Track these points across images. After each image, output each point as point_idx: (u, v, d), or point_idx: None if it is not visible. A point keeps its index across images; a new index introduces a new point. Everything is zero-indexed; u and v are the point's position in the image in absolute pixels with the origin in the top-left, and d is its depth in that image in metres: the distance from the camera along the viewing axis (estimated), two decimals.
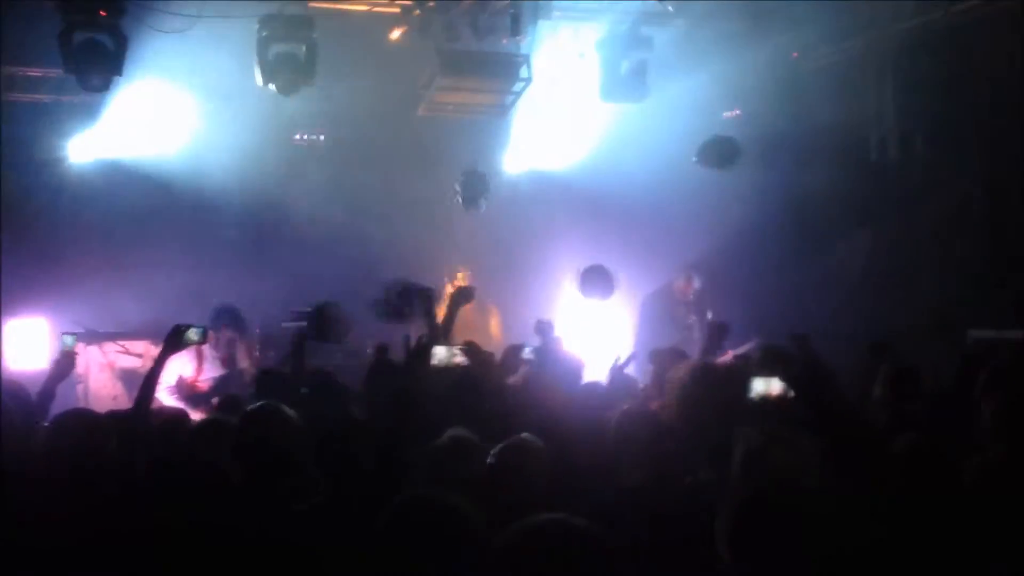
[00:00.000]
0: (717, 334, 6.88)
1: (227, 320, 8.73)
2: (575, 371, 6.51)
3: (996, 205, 9.70)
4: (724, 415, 4.46)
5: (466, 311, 9.30)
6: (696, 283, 10.58)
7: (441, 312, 7.20)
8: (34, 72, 10.77)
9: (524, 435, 4.28)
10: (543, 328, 7.20)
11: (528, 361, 6.77)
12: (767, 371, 4.97)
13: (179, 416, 5.75)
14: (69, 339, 6.19)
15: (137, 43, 9.40)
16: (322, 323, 6.86)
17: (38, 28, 9.47)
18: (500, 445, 4.23)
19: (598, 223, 12.10)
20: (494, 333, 10.38)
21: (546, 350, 6.82)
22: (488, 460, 4.18)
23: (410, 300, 6.97)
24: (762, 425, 4.27)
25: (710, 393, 4.61)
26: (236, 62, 10.17)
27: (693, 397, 4.68)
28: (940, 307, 9.52)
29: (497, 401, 5.49)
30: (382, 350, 6.61)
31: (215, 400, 8.44)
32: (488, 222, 12.13)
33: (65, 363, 5.97)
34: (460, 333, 7.33)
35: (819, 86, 11.23)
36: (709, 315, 10.17)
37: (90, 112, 11.06)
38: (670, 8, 10.43)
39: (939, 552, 3.71)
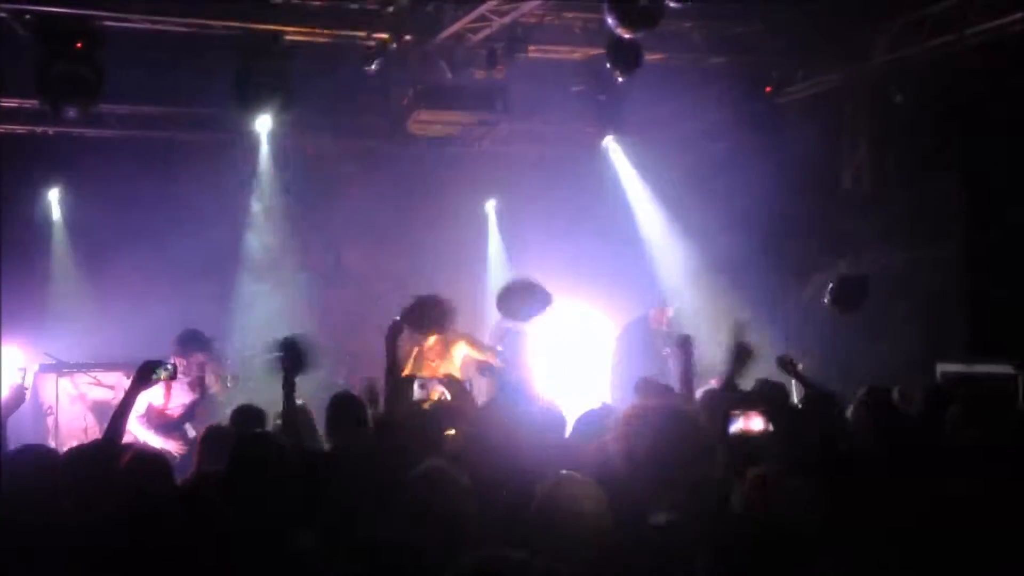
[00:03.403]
0: (683, 348, 6.80)
1: (194, 345, 8.69)
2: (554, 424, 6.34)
3: (970, 238, 9.81)
4: (684, 456, 4.43)
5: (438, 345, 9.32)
6: (670, 311, 10.61)
7: None
8: (9, 103, 10.76)
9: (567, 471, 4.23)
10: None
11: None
12: (756, 406, 4.98)
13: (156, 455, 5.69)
14: (23, 373, 6.14)
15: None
16: (292, 355, 6.79)
17: (14, 58, 9.47)
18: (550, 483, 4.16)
19: (573, 251, 12.18)
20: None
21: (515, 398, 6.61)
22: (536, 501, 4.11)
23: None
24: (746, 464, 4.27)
25: (662, 434, 4.57)
26: None
27: (646, 438, 4.66)
28: (912, 339, 9.60)
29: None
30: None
31: (188, 426, 8.45)
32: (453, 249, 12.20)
33: (14, 397, 5.91)
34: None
35: (793, 119, 11.34)
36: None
37: (67, 143, 11.11)
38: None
39: None
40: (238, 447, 4.57)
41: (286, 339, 6.08)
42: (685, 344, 6.84)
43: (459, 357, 8.92)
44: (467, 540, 3.78)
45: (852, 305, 8.42)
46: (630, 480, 4.45)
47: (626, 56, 9.53)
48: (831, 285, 8.56)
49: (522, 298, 8.23)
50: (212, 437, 6.09)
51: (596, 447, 4.82)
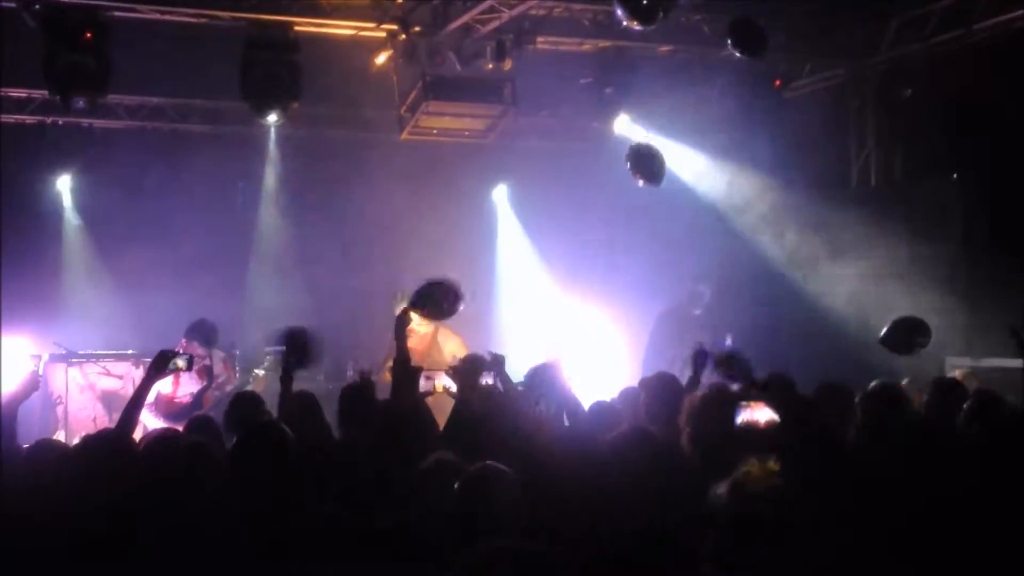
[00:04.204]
0: (698, 362, 6.88)
1: (200, 337, 8.72)
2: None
3: (975, 232, 9.81)
4: (733, 441, 4.48)
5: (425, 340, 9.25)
6: (706, 296, 10.50)
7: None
8: (18, 93, 10.79)
9: (489, 462, 4.24)
10: (496, 362, 6.75)
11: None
12: (769, 399, 4.99)
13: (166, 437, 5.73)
14: (35, 362, 6.17)
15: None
16: (293, 349, 6.70)
17: (23, 49, 9.49)
18: (465, 472, 4.18)
19: (580, 243, 12.19)
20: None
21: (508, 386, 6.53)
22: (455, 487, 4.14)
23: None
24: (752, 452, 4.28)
25: (720, 419, 4.63)
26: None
27: (704, 422, 4.71)
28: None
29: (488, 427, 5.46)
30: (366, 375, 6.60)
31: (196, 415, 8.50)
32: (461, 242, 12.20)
33: (29, 385, 5.94)
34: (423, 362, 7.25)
35: (800, 114, 11.33)
36: (728, 340, 10.03)
37: (76, 134, 11.16)
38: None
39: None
40: (243, 436, 4.58)
41: (289, 331, 6.09)
42: (697, 358, 6.90)
43: (449, 354, 8.91)
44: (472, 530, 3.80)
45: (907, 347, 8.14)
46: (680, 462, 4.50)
47: (754, 37, 9.46)
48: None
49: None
50: (196, 425, 6.14)
51: (611, 436, 4.84)
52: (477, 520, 3.82)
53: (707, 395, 5.46)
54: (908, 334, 7.76)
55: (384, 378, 8.23)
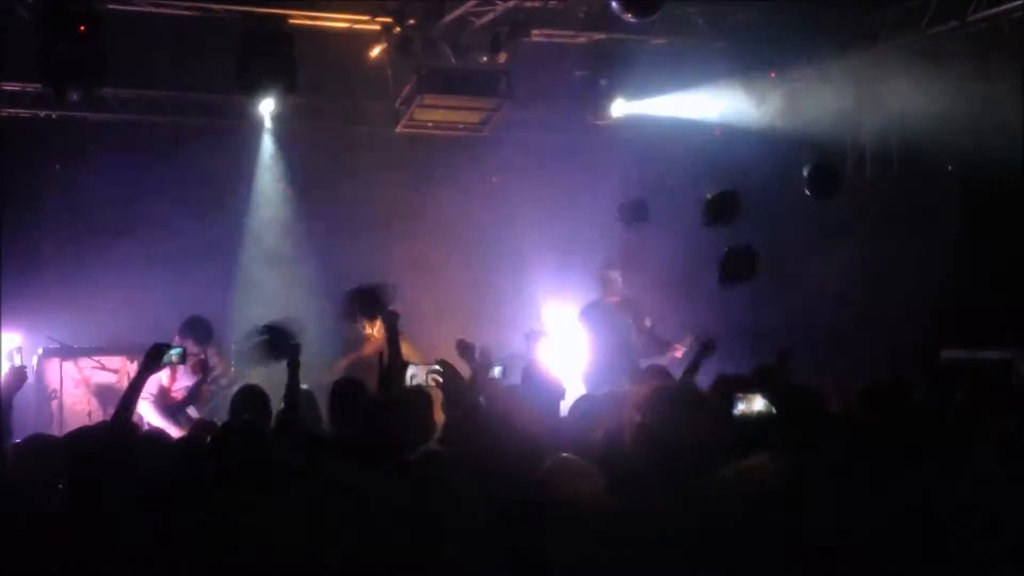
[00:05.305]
0: (702, 352, 6.90)
1: (194, 335, 8.71)
2: (556, 396, 6.34)
3: (969, 224, 9.81)
4: (695, 439, 4.45)
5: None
6: (618, 282, 10.34)
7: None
8: (12, 86, 10.77)
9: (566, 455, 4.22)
10: (532, 337, 6.84)
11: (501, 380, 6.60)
12: (754, 389, 4.98)
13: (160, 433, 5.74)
14: (18, 355, 6.14)
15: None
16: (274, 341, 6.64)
17: (18, 42, 9.48)
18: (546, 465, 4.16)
19: (574, 236, 12.19)
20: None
21: (531, 370, 6.56)
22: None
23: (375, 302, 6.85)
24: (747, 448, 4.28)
25: (679, 416, 4.59)
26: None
27: (663, 420, 4.67)
28: (913, 326, 9.61)
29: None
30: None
31: (191, 409, 8.50)
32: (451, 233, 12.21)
33: (16, 378, 5.92)
34: None
35: (795, 104, 11.31)
36: (647, 321, 10.08)
37: (70, 127, 11.14)
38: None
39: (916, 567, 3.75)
40: (221, 434, 4.58)
41: (268, 325, 6.06)
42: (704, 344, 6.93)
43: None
44: (464, 524, 3.81)
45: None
46: (639, 461, 4.48)
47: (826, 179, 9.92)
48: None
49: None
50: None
51: (601, 431, 4.84)
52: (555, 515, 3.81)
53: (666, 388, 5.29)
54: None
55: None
